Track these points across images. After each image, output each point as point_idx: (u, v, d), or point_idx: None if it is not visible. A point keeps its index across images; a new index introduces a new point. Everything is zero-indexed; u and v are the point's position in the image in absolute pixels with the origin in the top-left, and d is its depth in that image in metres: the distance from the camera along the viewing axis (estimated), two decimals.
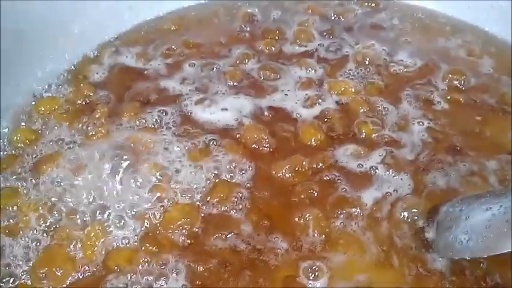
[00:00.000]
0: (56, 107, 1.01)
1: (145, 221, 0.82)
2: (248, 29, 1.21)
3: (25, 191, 0.86)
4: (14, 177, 0.88)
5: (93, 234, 0.79)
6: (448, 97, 1.03)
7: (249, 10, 1.25)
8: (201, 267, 0.77)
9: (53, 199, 0.84)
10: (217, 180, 0.87)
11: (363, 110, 1.00)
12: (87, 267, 0.77)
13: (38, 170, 0.88)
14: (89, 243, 0.79)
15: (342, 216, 0.83)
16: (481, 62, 1.12)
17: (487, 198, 0.76)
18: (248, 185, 0.87)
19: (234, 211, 0.84)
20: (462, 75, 1.07)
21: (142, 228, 0.81)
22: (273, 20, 1.24)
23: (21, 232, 0.81)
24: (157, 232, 0.81)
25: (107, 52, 1.15)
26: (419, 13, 1.26)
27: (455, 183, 0.89)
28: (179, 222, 0.81)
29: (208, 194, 0.85)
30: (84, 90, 1.05)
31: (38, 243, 0.80)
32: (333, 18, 1.24)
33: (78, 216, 0.82)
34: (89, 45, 1.17)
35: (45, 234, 0.81)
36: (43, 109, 1.01)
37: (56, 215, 0.82)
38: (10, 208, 0.84)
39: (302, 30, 1.19)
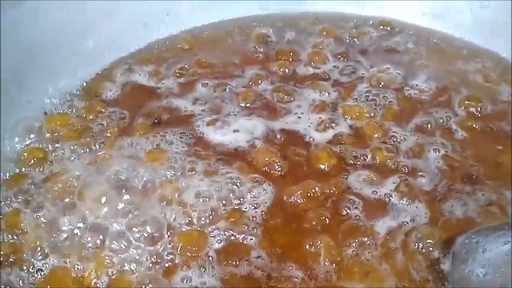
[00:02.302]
0: (67, 124, 1.00)
1: (153, 245, 0.80)
2: (262, 49, 1.20)
3: (31, 210, 0.84)
4: (20, 195, 0.87)
5: (99, 256, 0.77)
6: (465, 124, 1.01)
7: (263, 31, 1.25)
8: None
9: (59, 219, 0.82)
10: (227, 204, 0.85)
11: (377, 135, 0.98)
12: None
13: (45, 188, 0.87)
14: (95, 264, 0.77)
15: (354, 244, 0.81)
16: (499, 89, 1.10)
17: (505, 230, 0.74)
18: (259, 210, 0.85)
19: (245, 237, 0.82)
20: (479, 101, 1.05)
21: (150, 253, 0.79)
22: (287, 41, 1.23)
23: (25, 252, 0.79)
24: (166, 257, 0.79)
25: (120, 70, 1.15)
26: (434, 37, 1.24)
27: (472, 213, 0.86)
28: (187, 248, 0.79)
29: (218, 219, 0.83)
30: (96, 108, 1.04)
31: (43, 264, 0.78)
32: (347, 40, 1.23)
33: (84, 238, 0.80)
34: (102, 62, 1.16)
35: (50, 255, 0.79)
36: (53, 126, 0.99)
37: (62, 235, 0.80)
38: (15, 226, 0.82)
39: (316, 53, 1.17)
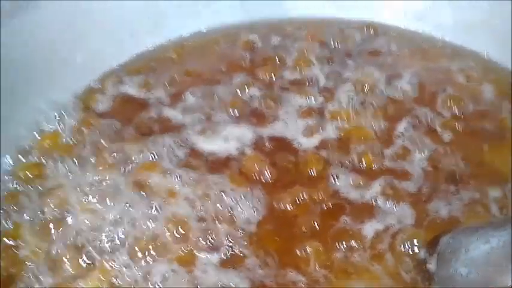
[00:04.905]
0: (60, 139, 1.02)
1: (147, 260, 0.82)
2: (248, 56, 1.22)
3: (28, 227, 0.86)
4: (17, 212, 0.88)
5: (96, 272, 0.79)
6: (448, 124, 1.03)
7: (249, 37, 1.26)
8: None
9: (55, 236, 0.84)
10: (218, 214, 0.87)
11: (362, 138, 1.00)
12: None
13: (41, 205, 0.88)
14: (92, 281, 0.79)
15: (342, 248, 0.83)
16: (481, 88, 1.12)
17: (486, 230, 0.76)
18: (250, 218, 0.87)
19: (238, 246, 0.84)
20: (462, 101, 1.07)
21: (142, 270, 0.81)
22: (273, 47, 1.24)
23: (23, 271, 0.81)
24: (163, 275, 0.80)
25: (110, 82, 1.15)
26: (417, 39, 1.26)
27: (456, 212, 0.88)
28: (180, 265, 0.81)
29: (211, 229, 0.85)
30: (88, 121, 1.05)
31: (41, 283, 0.80)
32: (332, 45, 1.24)
33: (82, 254, 0.82)
34: (92, 74, 1.17)
35: (47, 273, 0.80)
36: (47, 141, 1.01)
37: (59, 252, 0.82)
38: (12, 244, 0.84)
39: (302, 58, 1.19)
